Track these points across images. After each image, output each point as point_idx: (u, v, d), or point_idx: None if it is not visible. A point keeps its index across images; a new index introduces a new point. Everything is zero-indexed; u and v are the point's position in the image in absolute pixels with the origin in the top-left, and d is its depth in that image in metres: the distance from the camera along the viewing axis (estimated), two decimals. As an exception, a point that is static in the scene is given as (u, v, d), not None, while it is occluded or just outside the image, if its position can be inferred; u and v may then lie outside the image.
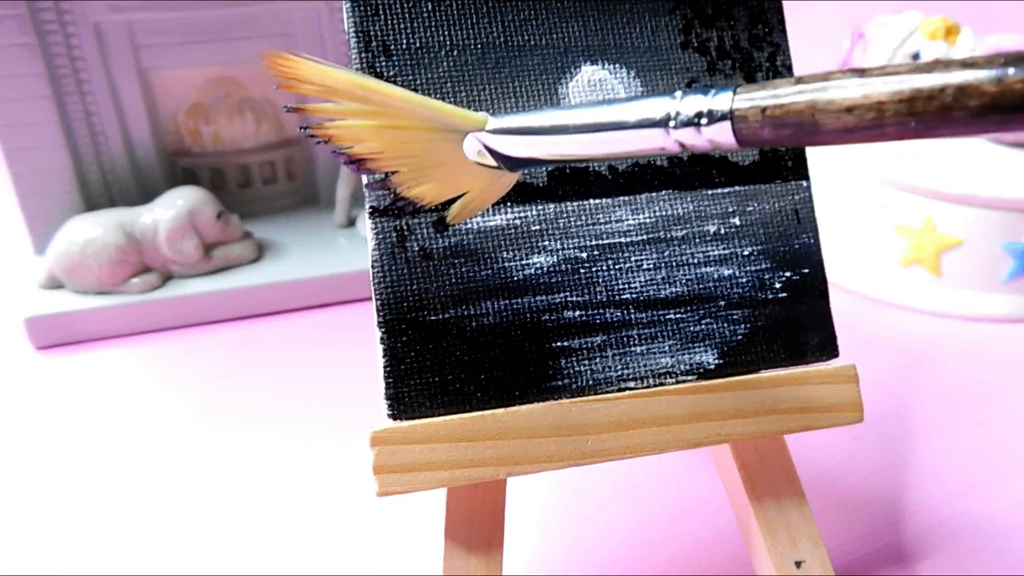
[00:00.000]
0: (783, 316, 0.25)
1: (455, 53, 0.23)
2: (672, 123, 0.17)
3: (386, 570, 0.32)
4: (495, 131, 0.20)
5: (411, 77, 0.23)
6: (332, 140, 0.19)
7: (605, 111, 0.18)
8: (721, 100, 0.17)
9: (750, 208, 0.25)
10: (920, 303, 0.50)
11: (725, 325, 0.25)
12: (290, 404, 0.42)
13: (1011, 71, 0.13)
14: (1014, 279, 0.48)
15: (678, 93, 0.18)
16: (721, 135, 0.17)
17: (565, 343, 0.23)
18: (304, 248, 0.53)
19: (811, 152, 0.26)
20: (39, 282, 0.48)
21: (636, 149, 0.18)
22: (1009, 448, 0.38)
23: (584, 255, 0.24)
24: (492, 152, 0.20)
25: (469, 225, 0.23)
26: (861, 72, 0.15)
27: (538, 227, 0.24)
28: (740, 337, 0.25)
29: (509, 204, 0.23)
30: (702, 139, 0.17)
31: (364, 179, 0.21)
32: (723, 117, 0.16)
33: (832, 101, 0.15)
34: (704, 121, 0.17)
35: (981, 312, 0.49)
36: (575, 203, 0.24)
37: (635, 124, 0.18)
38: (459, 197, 0.21)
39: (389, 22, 0.23)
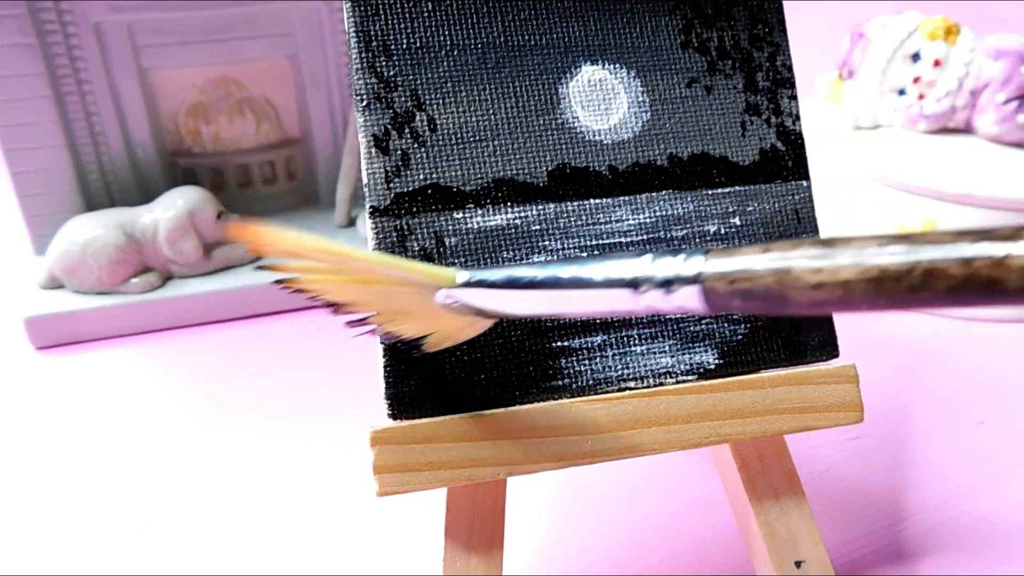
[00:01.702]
0: (783, 316, 0.25)
1: (455, 53, 0.23)
2: (643, 287, 0.17)
3: (386, 570, 0.32)
4: (464, 285, 0.20)
5: (411, 77, 0.23)
6: (305, 291, 0.19)
7: (575, 269, 0.18)
8: (691, 266, 0.16)
9: (750, 208, 0.25)
10: (920, 303, 0.50)
11: (725, 325, 0.25)
12: (290, 404, 0.41)
13: (979, 250, 0.12)
14: (1014, 279, 0.48)
15: (648, 256, 0.17)
16: (690, 301, 0.17)
17: (565, 343, 0.23)
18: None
19: (811, 152, 0.26)
20: (39, 282, 0.48)
21: (606, 309, 0.18)
22: (1009, 448, 0.38)
23: (584, 255, 0.24)
24: (464, 304, 0.20)
25: (469, 225, 0.23)
26: (829, 244, 0.14)
27: (538, 227, 0.24)
28: (740, 337, 0.25)
29: (509, 204, 0.23)
30: (671, 304, 0.17)
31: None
32: (692, 282, 0.16)
33: (800, 277, 0.15)
34: (674, 288, 0.17)
35: (981, 312, 0.49)
36: (575, 203, 0.24)
37: (604, 284, 0.18)
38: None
39: (389, 22, 0.23)
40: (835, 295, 0.14)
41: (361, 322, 0.20)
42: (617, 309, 0.18)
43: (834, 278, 0.14)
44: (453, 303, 0.20)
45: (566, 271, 0.19)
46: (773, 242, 0.15)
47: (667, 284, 0.17)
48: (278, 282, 0.19)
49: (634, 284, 0.17)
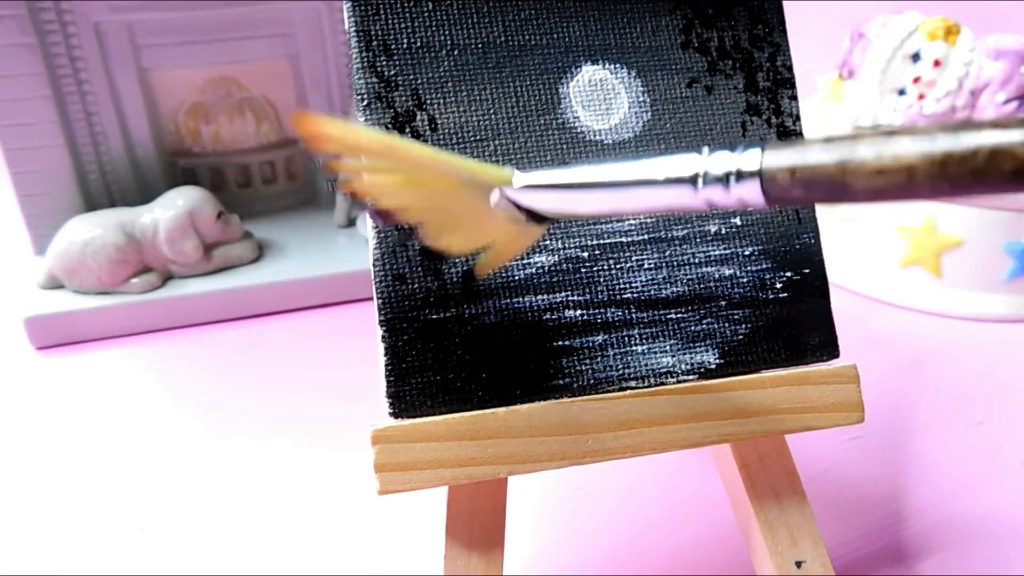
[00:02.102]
0: (784, 316, 0.25)
1: (456, 53, 0.23)
2: (701, 181, 0.17)
3: (386, 570, 0.32)
4: (524, 187, 0.20)
5: (411, 77, 0.23)
6: (358, 195, 0.19)
7: (632, 168, 0.18)
8: (749, 159, 0.16)
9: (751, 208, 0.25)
10: (920, 303, 0.50)
11: (726, 325, 0.25)
12: (290, 403, 0.41)
13: None
14: (1014, 279, 0.49)
15: (705, 149, 0.17)
16: (750, 194, 0.16)
17: (566, 342, 0.23)
18: (304, 248, 0.53)
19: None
20: (39, 282, 0.48)
21: (664, 206, 0.18)
22: (1009, 448, 0.38)
23: (585, 254, 0.24)
24: (519, 207, 0.20)
25: (470, 224, 0.23)
26: (891, 133, 0.14)
27: (539, 226, 0.24)
28: (741, 337, 0.25)
29: (510, 203, 0.23)
30: (731, 198, 0.17)
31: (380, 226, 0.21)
32: (752, 176, 0.16)
33: (863, 163, 0.14)
34: (733, 180, 0.17)
35: (981, 312, 0.49)
36: (576, 203, 0.24)
37: (663, 182, 0.18)
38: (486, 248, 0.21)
39: (390, 22, 0.23)
40: (898, 180, 0.14)
41: (409, 235, 0.20)
42: (676, 205, 0.18)
43: (898, 163, 0.14)
44: (507, 206, 0.20)
45: (624, 168, 0.18)
46: (831, 135, 0.15)
47: (726, 178, 0.17)
48: (332, 183, 0.19)
49: (693, 179, 0.17)
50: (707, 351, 0.24)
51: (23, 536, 0.34)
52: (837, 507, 0.34)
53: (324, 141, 0.18)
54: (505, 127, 0.24)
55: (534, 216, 0.20)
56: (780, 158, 0.16)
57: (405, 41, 0.23)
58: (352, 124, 0.18)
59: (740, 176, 0.16)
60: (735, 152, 0.17)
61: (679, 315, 0.24)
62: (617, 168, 0.19)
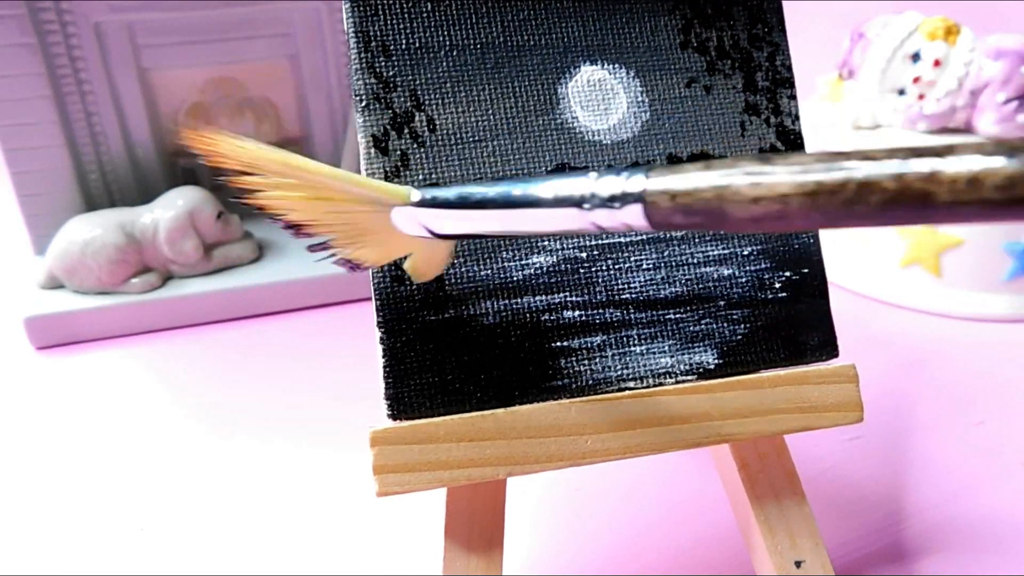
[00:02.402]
0: (783, 316, 0.25)
1: (455, 53, 0.23)
2: (587, 204, 0.17)
3: (386, 570, 0.32)
4: (418, 204, 0.20)
5: (411, 77, 0.23)
6: (264, 209, 0.19)
7: (524, 188, 0.19)
8: (635, 183, 0.17)
9: (750, 208, 0.25)
10: (920, 303, 0.50)
11: (725, 325, 0.25)
12: (290, 404, 0.41)
13: (911, 166, 0.13)
14: (1014, 279, 0.48)
15: (593, 174, 0.18)
16: (634, 218, 0.17)
17: (565, 343, 0.23)
18: (304, 248, 0.53)
19: (811, 152, 0.26)
20: (39, 282, 0.48)
21: (554, 229, 0.19)
22: (1009, 448, 0.38)
23: (584, 255, 0.24)
24: (419, 224, 0.20)
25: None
26: (767, 160, 0.15)
27: (538, 227, 0.24)
28: (740, 337, 0.25)
29: (509, 204, 0.23)
30: (616, 221, 0.17)
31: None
32: (636, 200, 0.16)
33: (739, 191, 0.15)
34: (617, 204, 0.17)
35: (981, 312, 0.49)
36: (575, 203, 0.24)
37: (552, 203, 0.18)
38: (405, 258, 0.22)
39: (389, 22, 0.23)
40: (773, 209, 0.14)
41: (323, 246, 0.20)
42: (565, 227, 0.18)
43: (772, 192, 0.14)
44: (407, 223, 0.20)
45: (517, 189, 0.19)
46: (714, 160, 0.16)
47: (612, 201, 0.17)
48: (238, 198, 0.19)
49: (580, 202, 0.18)
50: (706, 351, 0.24)
51: (23, 536, 0.34)
52: (837, 507, 0.34)
53: (219, 158, 0.18)
54: (504, 127, 0.24)
55: (433, 234, 0.20)
56: (662, 183, 0.16)
57: (404, 42, 0.23)
58: (244, 141, 0.19)
59: (624, 200, 0.17)
60: (621, 176, 0.17)
61: (678, 315, 0.24)
62: (508, 188, 0.19)
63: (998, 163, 0.12)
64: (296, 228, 0.20)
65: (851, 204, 0.13)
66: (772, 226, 0.15)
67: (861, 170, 0.13)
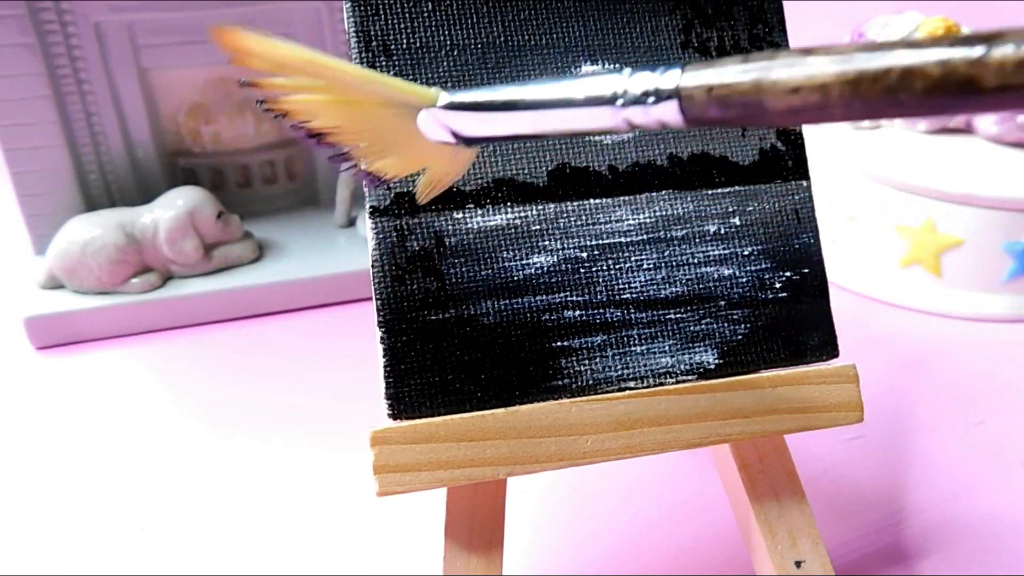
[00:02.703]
0: (783, 316, 0.25)
1: (455, 53, 0.23)
2: (620, 101, 0.17)
3: (386, 570, 0.32)
4: (447, 107, 0.20)
5: (411, 77, 0.23)
6: (288, 114, 0.19)
7: (555, 88, 0.18)
8: (669, 78, 0.16)
9: (750, 208, 0.25)
10: (920, 303, 0.50)
11: (725, 325, 0.25)
12: (290, 404, 0.41)
13: (956, 51, 0.13)
14: (1014, 279, 0.48)
15: (627, 70, 0.17)
16: (668, 114, 0.16)
17: (565, 343, 0.23)
18: (304, 248, 0.53)
19: (811, 152, 0.26)
20: (39, 282, 0.48)
21: (585, 127, 0.18)
22: (1009, 448, 0.38)
23: (584, 255, 0.24)
24: (446, 129, 0.20)
25: (469, 225, 0.23)
26: (808, 51, 0.14)
27: (538, 227, 0.24)
28: (740, 337, 0.25)
29: (509, 204, 0.23)
30: (649, 118, 0.17)
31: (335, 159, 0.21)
32: (670, 96, 0.16)
33: (777, 82, 0.14)
34: (651, 100, 0.16)
35: (981, 312, 0.49)
36: (575, 203, 0.24)
37: (583, 102, 0.18)
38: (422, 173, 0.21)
39: (389, 22, 0.23)
40: (812, 100, 0.14)
41: (343, 157, 0.20)
42: (596, 126, 0.18)
43: (812, 82, 0.14)
44: (434, 127, 0.20)
45: (547, 88, 0.18)
46: (752, 53, 0.15)
47: (645, 98, 0.17)
48: (262, 103, 0.19)
49: (613, 99, 0.17)
50: (706, 351, 0.24)
51: (23, 536, 0.34)
52: (837, 507, 0.34)
53: (248, 57, 0.18)
54: (504, 127, 0.24)
55: (460, 138, 0.20)
56: (698, 77, 0.16)
57: (404, 41, 0.23)
58: (276, 39, 0.18)
59: (659, 96, 0.16)
60: (656, 72, 0.17)
61: (678, 315, 0.24)
62: (540, 88, 0.19)
63: None
64: (319, 137, 0.19)
65: (894, 91, 0.13)
66: (810, 117, 0.14)
67: (904, 57, 0.13)
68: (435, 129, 0.20)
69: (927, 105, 0.13)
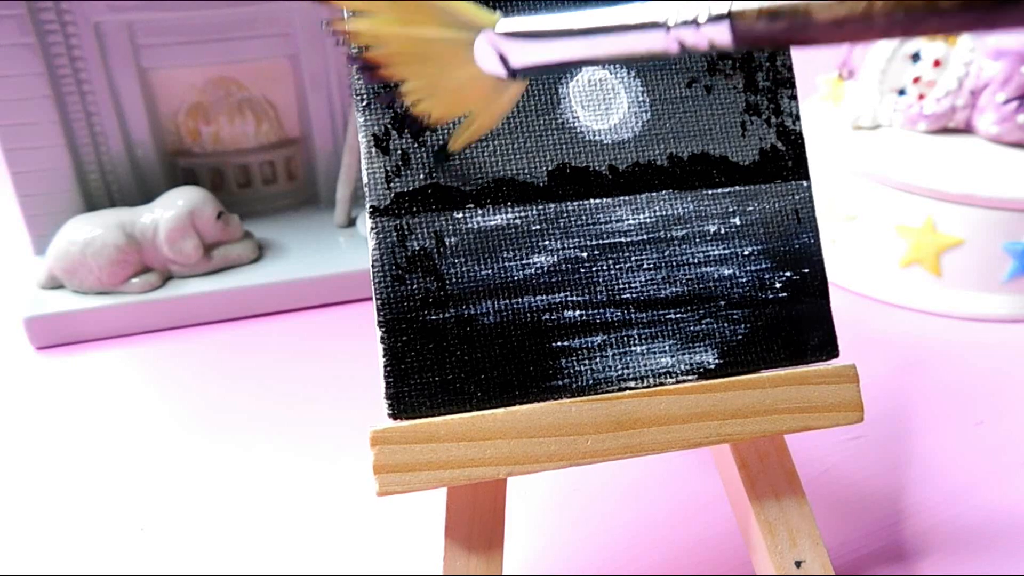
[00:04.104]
0: (783, 316, 0.25)
1: None
2: (672, 23, 0.18)
3: (386, 570, 0.32)
4: (503, 35, 0.20)
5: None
6: (351, 37, 0.20)
7: (608, 13, 0.19)
8: (719, 4, 0.17)
9: (750, 208, 0.25)
10: (920, 303, 0.50)
11: (725, 325, 0.25)
12: (290, 403, 0.41)
13: None
14: (1014, 279, 0.48)
15: None
16: (719, 34, 0.17)
17: (565, 343, 0.23)
18: (304, 248, 0.53)
19: (811, 152, 0.26)
20: (39, 282, 0.48)
21: (637, 50, 0.19)
22: (1009, 447, 0.38)
23: (584, 255, 0.24)
24: (500, 57, 0.21)
25: (470, 224, 0.23)
26: None
27: (538, 227, 0.24)
28: (740, 337, 0.25)
29: (509, 204, 0.23)
30: (700, 37, 0.18)
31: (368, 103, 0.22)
32: (720, 17, 0.17)
33: None
34: (702, 21, 0.18)
35: (981, 312, 0.49)
36: (575, 203, 0.24)
37: (636, 25, 0.19)
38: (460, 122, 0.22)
39: (389, 22, 0.23)
40: (858, 10, 0.15)
41: (390, 96, 0.20)
42: (649, 49, 0.19)
43: None
44: (489, 54, 0.20)
45: (600, 13, 0.19)
46: None
47: (695, 21, 0.18)
48: (329, 25, 0.19)
49: (665, 23, 0.18)
50: (706, 351, 0.24)
51: (23, 536, 0.34)
52: (837, 507, 0.34)
53: None
54: (504, 127, 0.24)
55: (512, 68, 0.21)
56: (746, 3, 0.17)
57: None
58: None
59: (709, 17, 0.17)
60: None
61: (678, 315, 0.24)
62: (594, 15, 0.19)
63: None
64: (374, 69, 0.20)
65: (935, 1, 0.14)
66: (854, 31, 0.15)
67: None
68: (489, 57, 0.20)
69: (967, 17, 0.14)
